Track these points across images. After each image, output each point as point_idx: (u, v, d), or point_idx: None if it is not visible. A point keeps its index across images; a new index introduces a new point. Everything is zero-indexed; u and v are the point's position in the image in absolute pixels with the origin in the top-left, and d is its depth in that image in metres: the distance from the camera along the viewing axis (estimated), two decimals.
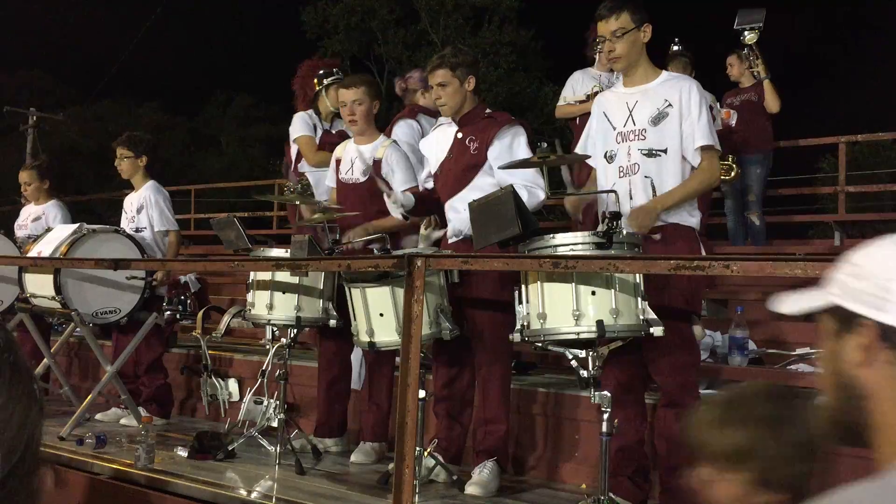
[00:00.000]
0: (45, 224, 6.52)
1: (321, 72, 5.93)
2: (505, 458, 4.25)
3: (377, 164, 4.80)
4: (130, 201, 6.04)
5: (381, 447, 4.76)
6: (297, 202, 5.10)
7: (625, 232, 3.37)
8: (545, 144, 3.56)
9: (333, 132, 5.77)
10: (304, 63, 6.11)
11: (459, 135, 4.33)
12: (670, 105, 3.68)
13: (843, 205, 8.81)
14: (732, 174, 7.17)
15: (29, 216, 6.80)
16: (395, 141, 5.05)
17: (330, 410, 4.99)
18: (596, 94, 5.31)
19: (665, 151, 3.67)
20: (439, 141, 4.46)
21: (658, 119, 3.68)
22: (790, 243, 8.41)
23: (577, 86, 6.40)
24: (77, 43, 40.65)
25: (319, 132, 5.84)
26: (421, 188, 4.63)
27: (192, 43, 42.19)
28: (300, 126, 5.81)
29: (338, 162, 5.02)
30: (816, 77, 33.24)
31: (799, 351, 5.12)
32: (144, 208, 5.89)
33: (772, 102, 7.43)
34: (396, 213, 4.46)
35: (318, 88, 5.88)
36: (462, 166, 4.27)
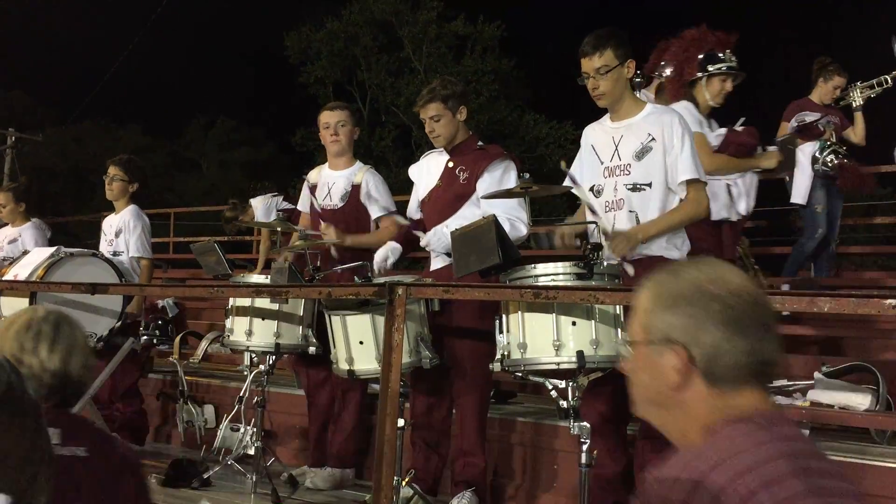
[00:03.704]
0: (21, 246, 6.44)
1: (704, 54, 4.76)
2: (483, 488, 4.21)
3: (356, 189, 4.82)
4: (110, 223, 5.98)
5: (342, 474, 4.72)
6: (280, 228, 5.08)
7: (605, 263, 3.38)
8: (527, 175, 3.58)
9: (739, 129, 4.79)
10: (687, 32, 4.87)
11: (450, 164, 4.36)
12: (653, 139, 3.67)
13: None
14: None
15: (5, 238, 6.71)
16: (371, 166, 5.05)
17: (321, 438, 4.93)
18: None
19: (649, 185, 3.66)
20: (429, 168, 4.48)
21: (642, 154, 3.68)
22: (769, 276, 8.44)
23: None
24: (58, 63, 40.57)
25: (707, 131, 4.75)
26: (410, 215, 4.64)
27: (174, 65, 42.20)
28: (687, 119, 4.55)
29: (312, 188, 5.01)
30: None
31: (777, 383, 5.13)
32: (123, 232, 5.83)
33: (861, 135, 6.92)
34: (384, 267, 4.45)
35: (699, 75, 4.74)
36: (451, 195, 4.29)
